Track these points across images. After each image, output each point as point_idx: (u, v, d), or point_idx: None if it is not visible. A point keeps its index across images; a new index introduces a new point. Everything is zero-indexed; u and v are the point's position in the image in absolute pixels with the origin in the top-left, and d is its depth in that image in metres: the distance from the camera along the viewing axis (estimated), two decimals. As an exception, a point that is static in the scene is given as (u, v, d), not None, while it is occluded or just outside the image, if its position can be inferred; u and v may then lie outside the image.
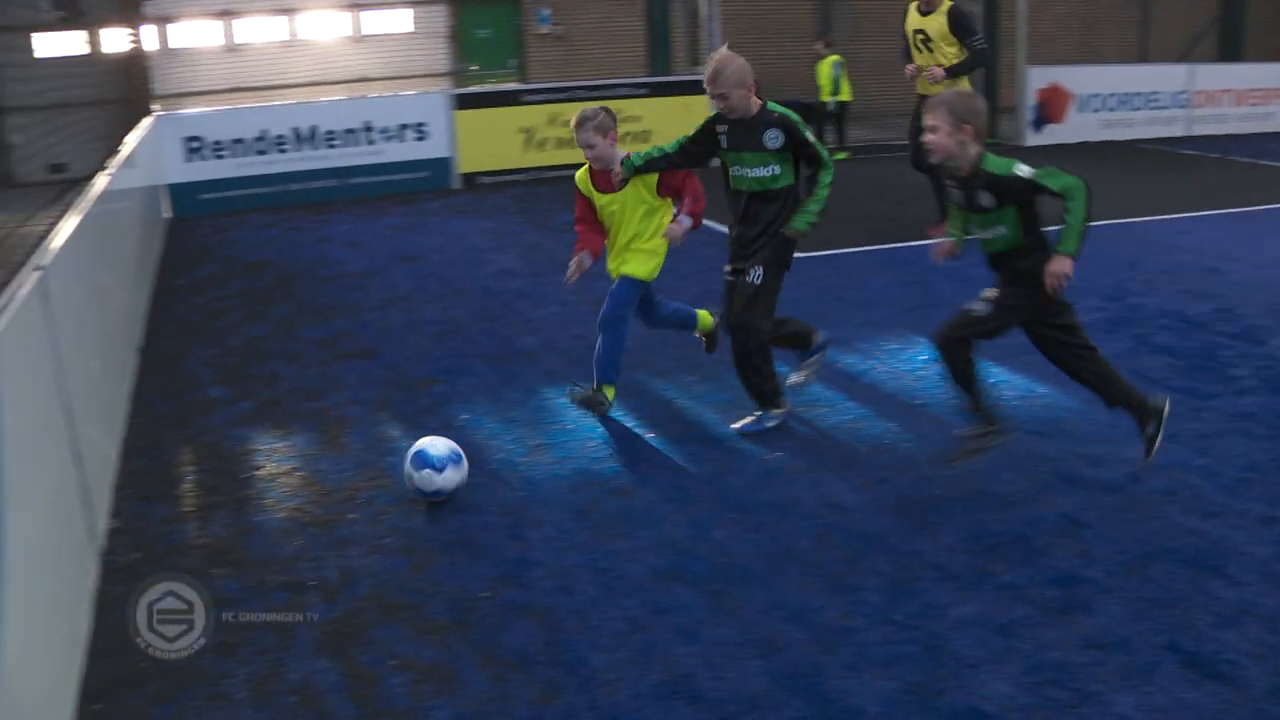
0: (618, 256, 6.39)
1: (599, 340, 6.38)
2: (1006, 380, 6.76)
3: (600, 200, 6.34)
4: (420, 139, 15.35)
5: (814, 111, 16.84)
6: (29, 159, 7.44)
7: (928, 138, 5.17)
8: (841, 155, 16.65)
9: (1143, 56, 26.95)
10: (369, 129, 15.03)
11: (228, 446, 6.28)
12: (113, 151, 9.22)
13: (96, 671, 4.12)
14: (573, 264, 6.38)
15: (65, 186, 7.21)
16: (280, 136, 14.75)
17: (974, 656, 4.01)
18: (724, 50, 6.01)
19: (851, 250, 10.66)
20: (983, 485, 5.40)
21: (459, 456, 5.35)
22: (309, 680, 4.02)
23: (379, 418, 6.63)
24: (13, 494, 3.54)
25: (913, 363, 7.21)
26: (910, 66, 10.88)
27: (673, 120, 16.01)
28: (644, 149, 6.28)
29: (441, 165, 15.39)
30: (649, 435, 6.22)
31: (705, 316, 6.85)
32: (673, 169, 6.20)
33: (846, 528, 5.02)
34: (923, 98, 10.58)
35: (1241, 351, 7.35)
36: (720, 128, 6.02)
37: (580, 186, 6.43)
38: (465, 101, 15.79)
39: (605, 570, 4.72)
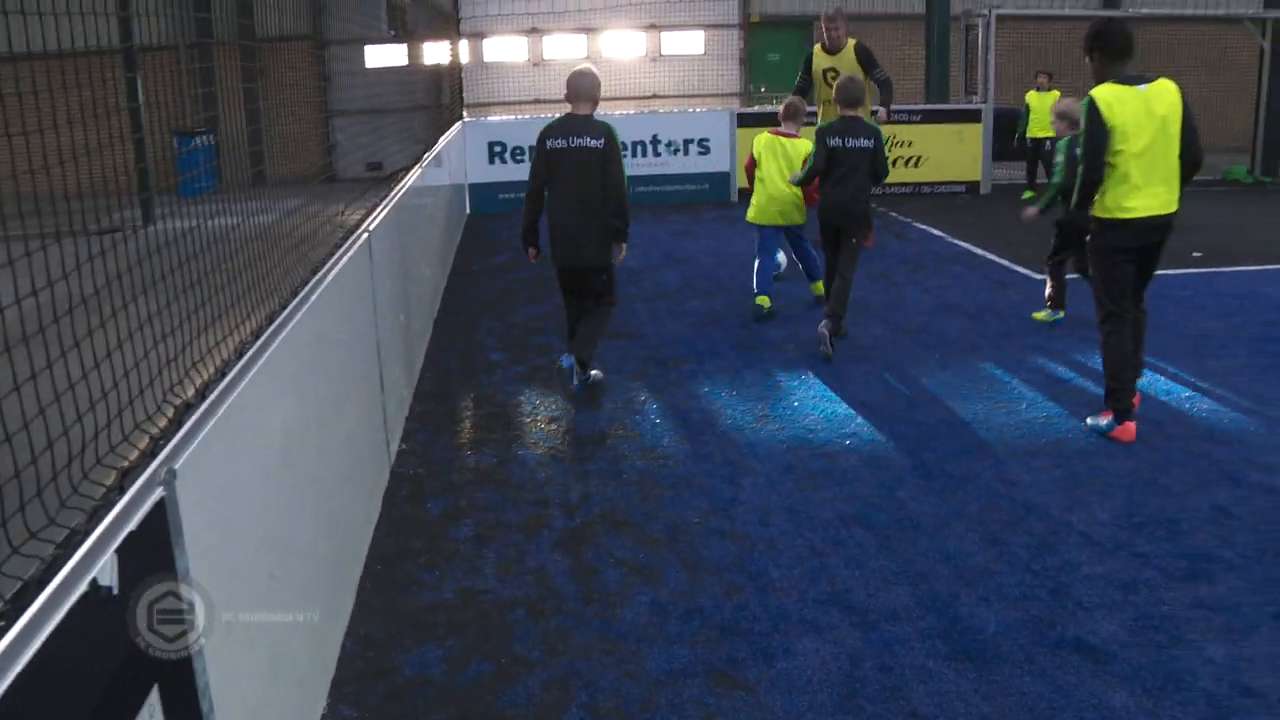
0: None
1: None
2: (1203, 393, 7.35)
3: None
4: (703, 153, 16.52)
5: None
6: (349, 156, 8.79)
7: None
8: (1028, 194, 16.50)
9: None
10: (656, 141, 16.28)
11: (502, 399, 7.55)
12: (424, 153, 10.65)
13: (380, 544, 5.39)
14: None
15: (381, 182, 8.43)
16: (575, 144, 16.19)
17: (1092, 603, 4.76)
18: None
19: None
20: (1148, 476, 6.07)
21: None
22: (544, 566, 5.16)
23: (633, 385, 7.76)
24: (341, 390, 4.84)
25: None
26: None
27: (945, 146, 16.64)
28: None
29: (721, 179, 16.49)
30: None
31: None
32: None
33: (1014, 498, 5.81)
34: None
35: None
36: None
37: None
38: (747, 120, 16.83)
39: (798, 511, 5.68)
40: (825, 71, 12.12)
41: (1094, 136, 6.44)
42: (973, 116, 17.03)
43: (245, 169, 4.36)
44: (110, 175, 2.76)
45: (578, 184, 7.43)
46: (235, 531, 3.11)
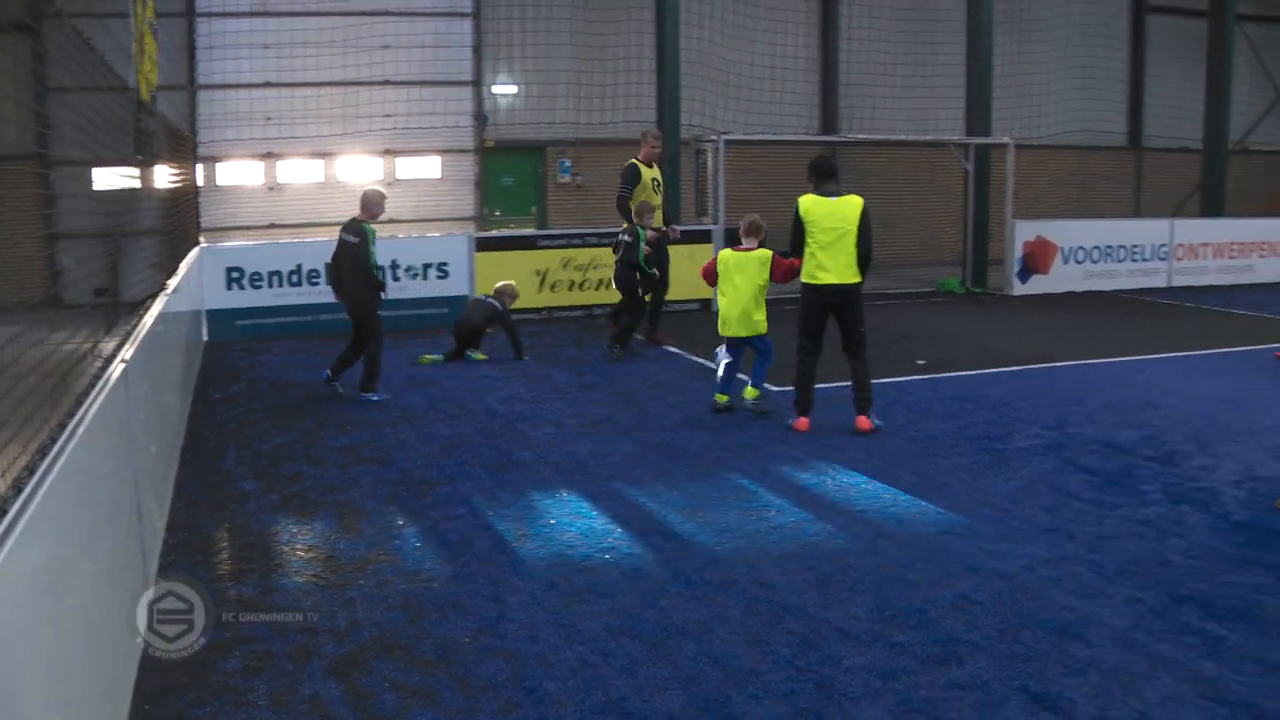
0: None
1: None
2: (931, 496, 7.78)
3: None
4: (442, 277, 16.55)
5: None
6: (76, 282, 8.40)
7: None
8: None
9: (1136, 213, 28.35)
10: (395, 266, 16.21)
11: (257, 528, 7.33)
12: (160, 279, 10.33)
13: (146, 682, 5.13)
14: None
15: (109, 310, 8.09)
16: (313, 270, 15.94)
17: (856, 693, 4.96)
18: None
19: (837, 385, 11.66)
20: (896, 573, 6.37)
21: None
22: (318, 694, 5.02)
23: (388, 510, 7.67)
24: (103, 523, 4.65)
25: (856, 479, 8.23)
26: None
27: (680, 267, 17.17)
28: None
29: (459, 302, 16.47)
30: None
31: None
32: None
33: (772, 600, 6.00)
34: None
35: (1155, 472, 8.36)
36: None
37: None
38: (485, 244, 17.07)
39: (567, 625, 5.71)
40: (653, 181, 14.60)
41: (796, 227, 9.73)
42: (704, 237, 17.65)
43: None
44: None
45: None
46: (16, 669, 2.97)
